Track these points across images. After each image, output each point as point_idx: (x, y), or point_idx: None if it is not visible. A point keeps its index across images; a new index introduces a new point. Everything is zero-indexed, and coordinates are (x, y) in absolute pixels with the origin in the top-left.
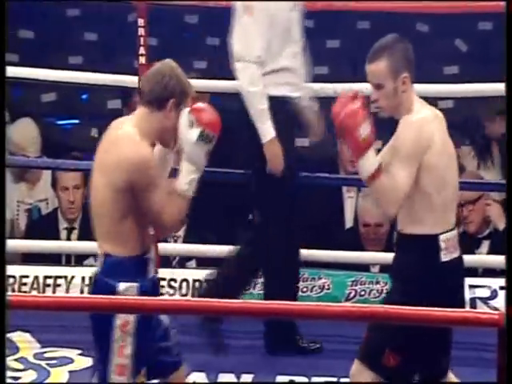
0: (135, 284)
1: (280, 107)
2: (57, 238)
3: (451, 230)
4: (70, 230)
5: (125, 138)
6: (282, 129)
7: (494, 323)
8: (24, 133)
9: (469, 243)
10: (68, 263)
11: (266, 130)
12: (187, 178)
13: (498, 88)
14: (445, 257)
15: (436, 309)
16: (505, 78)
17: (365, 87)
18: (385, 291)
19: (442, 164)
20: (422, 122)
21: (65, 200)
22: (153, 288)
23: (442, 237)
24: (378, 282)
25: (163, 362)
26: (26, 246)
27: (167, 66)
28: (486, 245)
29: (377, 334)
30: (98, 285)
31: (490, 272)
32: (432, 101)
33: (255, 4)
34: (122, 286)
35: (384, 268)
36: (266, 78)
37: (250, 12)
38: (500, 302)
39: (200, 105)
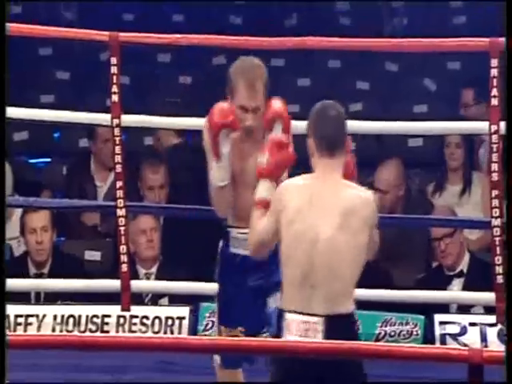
0: None
1: None
2: None
3: None
4: (39, 276)
5: None
6: None
7: (464, 359)
8: None
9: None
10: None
11: None
12: None
13: (467, 126)
14: None
15: (407, 345)
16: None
17: None
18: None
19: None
20: None
21: (33, 242)
22: None
23: None
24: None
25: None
26: None
27: None
28: (457, 282)
29: None
30: None
31: (459, 308)
32: (402, 138)
33: None
34: None
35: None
36: None
37: None
38: (469, 338)
39: None
